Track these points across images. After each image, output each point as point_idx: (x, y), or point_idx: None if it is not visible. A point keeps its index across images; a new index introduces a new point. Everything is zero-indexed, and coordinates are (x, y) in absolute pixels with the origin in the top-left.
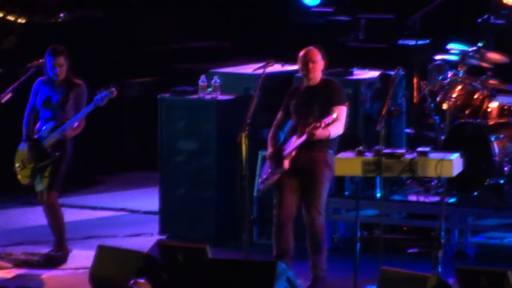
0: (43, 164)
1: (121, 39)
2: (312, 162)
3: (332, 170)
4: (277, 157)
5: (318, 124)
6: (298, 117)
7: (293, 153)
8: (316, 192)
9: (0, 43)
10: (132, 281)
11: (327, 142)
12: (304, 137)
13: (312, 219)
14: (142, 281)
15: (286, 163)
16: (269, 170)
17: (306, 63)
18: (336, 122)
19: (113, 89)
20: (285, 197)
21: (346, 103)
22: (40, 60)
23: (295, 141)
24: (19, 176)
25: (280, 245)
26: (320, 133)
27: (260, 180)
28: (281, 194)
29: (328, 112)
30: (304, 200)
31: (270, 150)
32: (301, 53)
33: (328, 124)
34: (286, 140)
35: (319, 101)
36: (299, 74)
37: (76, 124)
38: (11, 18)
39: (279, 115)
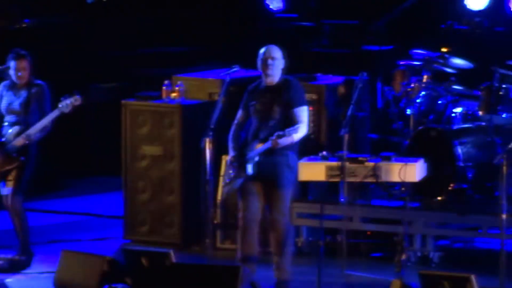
0: (8, 168)
1: (86, 44)
2: (274, 166)
3: (295, 172)
4: (240, 162)
5: (281, 133)
6: (259, 120)
7: (256, 158)
8: (279, 195)
9: None
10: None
11: (288, 145)
12: (267, 144)
13: (275, 221)
14: (120, 287)
15: (250, 168)
16: (232, 174)
17: (265, 59)
18: (299, 125)
19: (78, 96)
20: (249, 201)
21: (310, 107)
22: (4, 66)
23: (258, 147)
24: None
25: (245, 249)
26: (284, 141)
27: (223, 183)
28: (245, 198)
29: (289, 115)
30: (268, 203)
31: (231, 152)
32: (261, 50)
33: (292, 132)
34: (248, 142)
35: (279, 103)
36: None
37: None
38: None
39: (239, 114)
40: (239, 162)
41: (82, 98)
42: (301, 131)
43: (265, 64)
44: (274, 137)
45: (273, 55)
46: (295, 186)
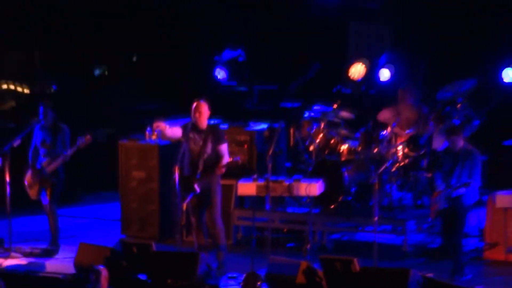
0: (45, 186)
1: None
2: (210, 183)
3: (221, 186)
4: (187, 184)
5: (221, 164)
6: (194, 153)
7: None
8: (215, 203)
9: None
10: (95, 267)
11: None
12: (218, 172)
13: (214, 221)
14: (101, 267)
15: (197, 188)
16: (184, 193)
17: (194, 113)
18: (224, 157)
19: (89, 136)
20: (197, 209)
21: (245, 144)
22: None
23: (207, 173)
24: (29, 193)
25: (199, 241)
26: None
27: (177, 200)
28: (194, 207)
29: (217, 149)
30: (207, 209)
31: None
32: (193, 105)
33: (224, 163)
34: (185, 167)
35: (209, 142)
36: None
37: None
38: None
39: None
40: (185, 184)
41: (92, 138)
42: (226, 159)
43: (194, 117)
44: (219, 168)
45: (200, 109)
46: (236, 199)
